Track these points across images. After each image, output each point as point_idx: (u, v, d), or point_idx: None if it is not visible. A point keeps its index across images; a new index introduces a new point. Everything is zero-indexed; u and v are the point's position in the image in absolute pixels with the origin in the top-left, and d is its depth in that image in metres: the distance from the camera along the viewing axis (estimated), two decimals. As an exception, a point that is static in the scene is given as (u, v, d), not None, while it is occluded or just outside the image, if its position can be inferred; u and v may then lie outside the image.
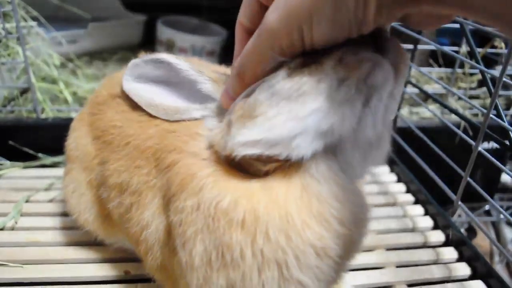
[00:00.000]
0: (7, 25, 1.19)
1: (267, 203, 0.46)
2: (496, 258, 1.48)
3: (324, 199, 0.46)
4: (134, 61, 0.62)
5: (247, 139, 0.46)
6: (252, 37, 0.47)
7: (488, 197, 0.84)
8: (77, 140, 0.75)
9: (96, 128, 0.72)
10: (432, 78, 1.10)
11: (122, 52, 2.01)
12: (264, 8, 0.51)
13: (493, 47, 1.59)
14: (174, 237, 0.52)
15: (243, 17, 0.55)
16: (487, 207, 1.56)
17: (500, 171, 1.47)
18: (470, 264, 0.87)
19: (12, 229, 0.90)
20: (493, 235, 1.54)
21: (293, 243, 0.44)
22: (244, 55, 0.49)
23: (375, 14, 0.39)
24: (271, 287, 0.45)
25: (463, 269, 0.86)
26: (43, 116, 1.27)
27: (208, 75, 0.59)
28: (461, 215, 1.45)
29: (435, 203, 1.03)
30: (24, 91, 1.35)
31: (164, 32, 2.02)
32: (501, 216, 1.51)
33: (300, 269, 0.45)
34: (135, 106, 0.66)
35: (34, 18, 1.39)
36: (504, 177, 1.58)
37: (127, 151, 0.63)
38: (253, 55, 0.48)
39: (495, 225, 1.57)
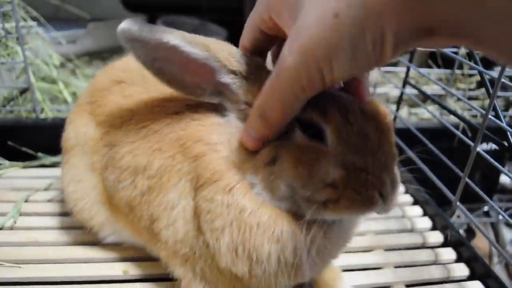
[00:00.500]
0: (7, 25, 1.19)
1: (300, 229, 0.54)
2: (495, 259, 1.48)
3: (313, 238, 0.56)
4: (127, 28, 0.54)
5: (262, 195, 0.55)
6: (269, 78, 0.49)
7: (487, 198, 0.85)
8: (77, 129, 0.76)
9: (100, 114, 0.73)
10: (431, 79, 1.11)
11: (122, 52, 2.01)
12: (265, 35, 0.54)
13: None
14: (201, 220, 0.57)
15: (246, 41, 0.57)
16: (486, 208, 1.56)
17: (499, 172, 1.47)
18: (468, 265, 0.87)
19: (11, 228, 0.90)
20: (492, 236, 1.54)
21: (305, 260, 0.56)
22: (264, 96, 0.50)
23: (392, 51, 0.41)
24: (279, 275, 0.56)
25: (462, 270, 0.86)
26: (42, 116, 1.27)
27: (229, 65, 0.56)
28: (460, 216, 1.45)
29: (434, 203, 1.03)
30: (23, 91, 1.35)
31: (163, 32, 2.02)
32: (500, 217, 1.51)
33: (298, 272, 0.57)
34: (143, 91, 0.68)
35: (33, 18, 1.40)
36: (503, 178, 1.59)
37: (144, 134, 0.65)
38: (274, 96, 0.49)
39: (494, 226, 1.57)
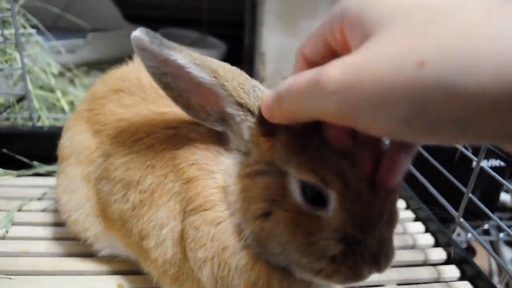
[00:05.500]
0: (6, 32, 1.18)
1: (280, 279, 0.53)
2: (496, 278, 1.46)
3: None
4: (139, 37, 0.51)
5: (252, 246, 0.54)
6: (308, 71, 0.40)
7: (491, 214, 0.83)
8: (73, 137, 0.75)
9: (96, 122, 0.72)
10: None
11: (121, 64, 2.01)
12: (329, 50, 0.46)
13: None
14: (186, 246, 0.56)
15: (306, 48, 0.48)
16: (486, 226, 1.54)
17: (499, 190, 1.46)
18: (472, 283, 0.85)
19: (3, 238, 0.87)
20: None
21: None
22: (295, 84, 0.41)
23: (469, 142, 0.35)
24: None
25: (466, 288, 0.85)
26: (39, 124, 1.25)
27: (236, 96, 0.52)
28: (460, 234, 1.43)
29: (436, 220, 1.01)
30: (20, 99, 1.33)
31: (163, 44, 2.02)
32: (501, 235, 1.50)
33: None
34: (141, 101, 0.67)
35: (33, 26, 1.39)
36: (503, 197, 1.58)
37: (138, 148, 0.63)
38: (299, 96, 0.41)
39: (493, 245, 1.55)
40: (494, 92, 0.28)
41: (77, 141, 0.74)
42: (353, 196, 0.47)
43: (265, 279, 0.53)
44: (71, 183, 0.73)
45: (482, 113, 0.30)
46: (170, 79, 0.54)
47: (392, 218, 0.50)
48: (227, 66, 0.54)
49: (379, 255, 0.49)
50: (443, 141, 0.34)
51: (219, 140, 0.58)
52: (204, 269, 0.55)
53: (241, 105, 0.53)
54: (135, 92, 0.70)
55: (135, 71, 0.74)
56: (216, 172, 0.56)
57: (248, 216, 0.52)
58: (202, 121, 0.56)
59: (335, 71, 0.35)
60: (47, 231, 0.90)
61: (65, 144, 0.76)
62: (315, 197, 0.48)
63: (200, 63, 0.52)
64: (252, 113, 0.53)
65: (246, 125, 0.53)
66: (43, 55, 1.42)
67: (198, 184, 0.56)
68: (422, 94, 0.30)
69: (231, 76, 0.52)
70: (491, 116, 0.30)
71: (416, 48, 0.31)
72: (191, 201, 0.55)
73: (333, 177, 0.46)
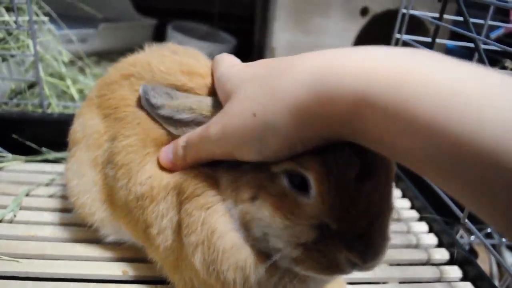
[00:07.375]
0: (20, 19, 1.19)
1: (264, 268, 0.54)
2: (496, 282, 1.46)
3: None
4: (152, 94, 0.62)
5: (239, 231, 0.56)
6: (202, 127, 0.57)
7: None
8: (85, 122, 0.76)
9: (107, 107, 0.72)
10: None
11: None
12: None
13: (504, 68, 1.59)
14: (182, 233, 0.58)
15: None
16: (489, 229, 1.54)
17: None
18: (474, 284, 0.86)
19: (11, 222, 0.88)
20: (493, 259, 1.51)
21: None
22: (191, 139, 0.58)
23: (300, 150, 0.47)
24: None
25: (468, 289, 0.85)
26: (48, 111, 1.26)
27: (210, 115, 0.59)
28: (463, 236, 1.43)
29: (440, 220, 1.01)
30: (31, 85, 1.35)
31: (173, 36, 2.03)
32: (503, 239, 1.49)
33: None
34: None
35: (45, 14, 1.40)
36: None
37: (137, 131, 0.65)
38: (196, 147, 0.57)
39: (495, 249, 1.55)
40: (288, 122, 0.45)
41: (88, 126, 0.74)
42: (334, 186, 0.46)
43: (252, 264, 0.53)
44: (80, 167, 0.74)
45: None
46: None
47: (381, 212, 0.49)
48: (199, 98, 0.62)
49: (361, 248, 0.47)
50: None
51: None
52: (196, 254, 0.56)
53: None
54: (144, 76, 0.70)
55: (146, 56, 0.75)
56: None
57: (238, 200, 0.54)
58: None
59: (211, 130, 0.53)
60: (54, 216, 0.91)
61: (77, 129, 0.77)
62: (301, 184, 0.49)
63: (179, 107, 0.60)
64: None
65: None
66: (54, 43, 1.44)
67: (189, 173, 0.58)
68: (258, 132, 0.48)
69: (205, 103, 0.60)
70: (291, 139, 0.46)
71: (250, 106, 0.48)
72: (184, 190, 0.58)
73: (312, 162, 0.47)
